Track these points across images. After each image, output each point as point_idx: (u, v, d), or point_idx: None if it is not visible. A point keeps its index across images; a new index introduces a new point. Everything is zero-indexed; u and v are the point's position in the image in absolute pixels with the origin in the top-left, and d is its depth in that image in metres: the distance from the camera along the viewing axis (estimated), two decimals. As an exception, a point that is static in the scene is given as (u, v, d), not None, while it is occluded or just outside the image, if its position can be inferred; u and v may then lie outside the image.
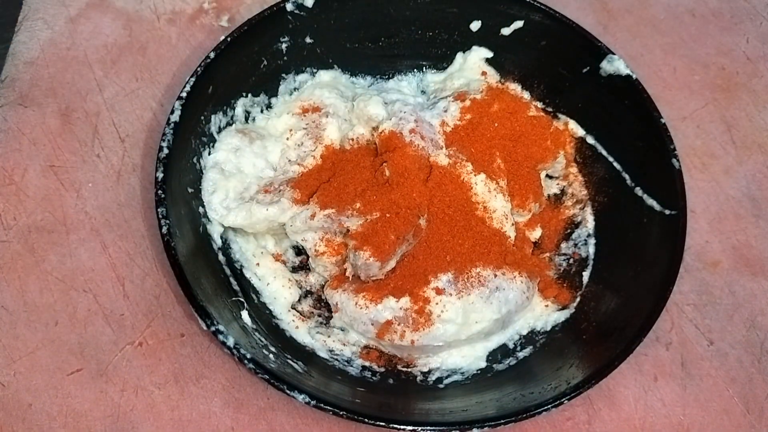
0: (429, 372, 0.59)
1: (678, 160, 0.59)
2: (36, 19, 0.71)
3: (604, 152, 0.65)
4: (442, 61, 0.71)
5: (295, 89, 0.68)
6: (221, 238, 0.60)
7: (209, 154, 0.61)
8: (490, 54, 0.69)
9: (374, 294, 0.56)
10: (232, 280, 0.58)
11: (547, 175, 0.67)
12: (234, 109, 0.64)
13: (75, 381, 0.56)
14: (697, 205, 0.68)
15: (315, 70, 0.69)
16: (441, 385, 0.58)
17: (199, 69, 0.59)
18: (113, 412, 0.55)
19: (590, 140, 0.66)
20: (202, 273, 0.55)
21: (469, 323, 0.56)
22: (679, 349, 0.61)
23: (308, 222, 0.57)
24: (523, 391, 0.54)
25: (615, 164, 0.64)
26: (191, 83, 0.58)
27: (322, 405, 0.49)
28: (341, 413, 0.49)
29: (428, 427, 0.50)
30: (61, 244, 0.61)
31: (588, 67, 0.65)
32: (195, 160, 0.60)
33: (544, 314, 0.61)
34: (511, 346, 0.60)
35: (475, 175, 0.61)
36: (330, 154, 0.61)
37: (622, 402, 0.59)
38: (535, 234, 0.65)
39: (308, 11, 0.65)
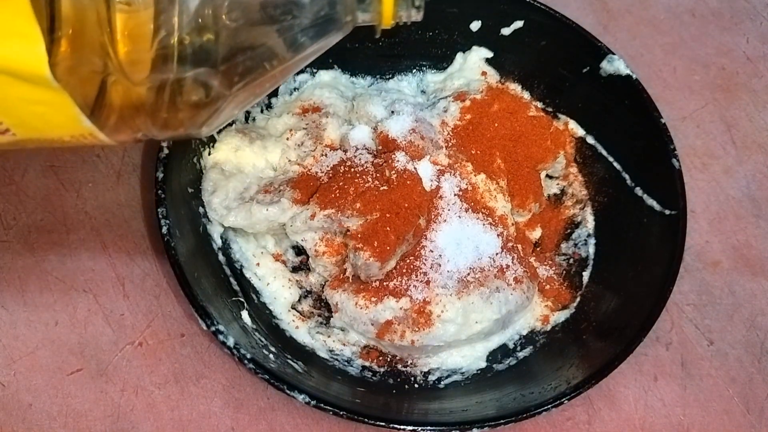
0: (429, 372, 0.59)
1: (678, 160, 0.59)
2: (36, 19, 0.71)
3: (604, 152, 0.65)
4: (442, 61, 0.71)
5: (295, 89, 0.68)
6: (221, 238, 0.60)
7: (209, 154, 0.61)
8: (490, 54, 0.69)
9: (374, 294, 0.56)
10: (232, 280, 0.58)
11: (547, 175, 0.67)
12: (234, 109, 0.64)
13: (75, 381, 0.56)
14: (697, 205, 0.68)
15: (315, 70, 0.69)
16: (441, 385, 0.58)
17: (199, 69, 0.59)
18: (113, 412, 0.55)
19: (590, 140, 0.66)
20: (202, 273, 0.55)
21: (469, 323, 0.56)
22: (679, 349, 0.61)
23: (308, 222, 0.57)
24: (523, 391, 0.54)
25: (615, 164, 0.64)
26: (191, 83, 0.58)
27: (322, 405, 0.49)
28: (341, 413, 0.49)
29: (428, 427, 0.50)
30: (61, 244, 0.61)
31: (588, 67, 0.65)
32: (195, 160, 0.60)
33: (543, 314, 0.61)
34: (511, 346, 0.60)
35: (475, 176, 0.61)
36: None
37: (622, 402, 0.59)
38: (535, 234, 0.65)
39: (308, 11, 0.65)
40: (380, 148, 0.61)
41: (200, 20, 0.36)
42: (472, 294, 0.56)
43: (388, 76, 0.71)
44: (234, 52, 0.38)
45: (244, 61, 0.39)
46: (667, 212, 0.59)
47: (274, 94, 0.67)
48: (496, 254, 0.58)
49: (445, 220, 0.58)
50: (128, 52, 0.36)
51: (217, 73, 0.38)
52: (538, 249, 0.65)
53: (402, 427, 0.50)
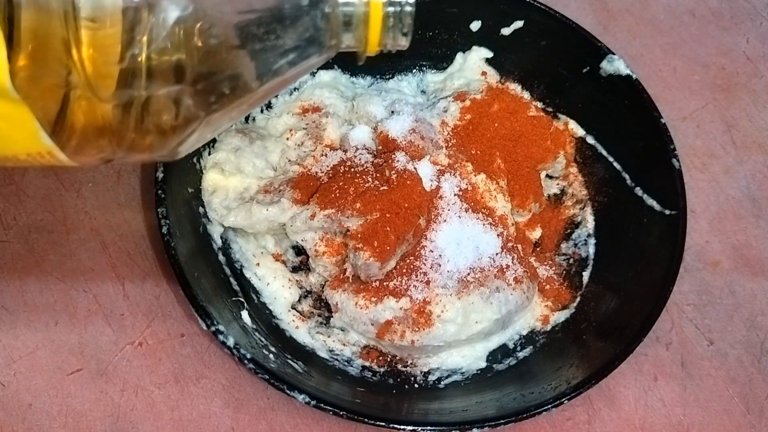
0: (429, 372, 0.59)
1: (678, 160, 0.59)
2: (36, 19, 0.71)
3: (604, 152, 0.65)
4: (442, 61, 0.71)
5: (295, 89, 0.68)
6: (221, 238, 0.60)
7: (209, 154, 0.61)
8: (490, 54, 0.69)
9: (374, 294, 0.56)
10: (232, 280, 0.58)
11: (547, 175, 0.67)
12: (234, 109, 0.64)
13: (75, 381, 0.56)
14: (697, 205, 0.68)
15: (315, 70, 0.69)
16: (441, 385, 0.58)
17: (199, 69, 0.59)
18: (113, 412, 0.55)
19: (590, 140, 0.66)
20: (202, 273, 0.55)
21: (469, 323, 0.56)
22: (679, 349, 0.61)
23: (308, 222, 0.57)
24: (523, 391, 0.54)
25: (615, 164, 0.64)
26: (191, 83, 0.58)
27: (322, 405, 0.49)
28: (341, 413, 0.49)
29: (428, 427, 0.50)
30: (61, 244, 0.61)
31: (588, 67, 0.65)
32: (195, 160, 0.60)
33: (543, 314, 0.61)
34: (511, 346, 0.60)
35: (475, 176, 0.61)
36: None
37: (622, 402, 0.59)
38: (535, 234, 0.65)
39: (308, 11, 0.65)
40: (380, 148, 0.61)
41: (175, 36, 0.34)
42: (472, 294, 0.56)
43: (388, 76, 0.71)
44: (209, 72, 0.36)
45: (220, 81, 0.36)
46: (667, 212, 0.59)
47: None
48: (496, 254, 0.58)
49: (445, 220, 0.58)
50: (95, 65, 0.33)
51: (190, 92, 0.35)
52: (538, 249, 0.65)
53: (402, 427, 0.50)
